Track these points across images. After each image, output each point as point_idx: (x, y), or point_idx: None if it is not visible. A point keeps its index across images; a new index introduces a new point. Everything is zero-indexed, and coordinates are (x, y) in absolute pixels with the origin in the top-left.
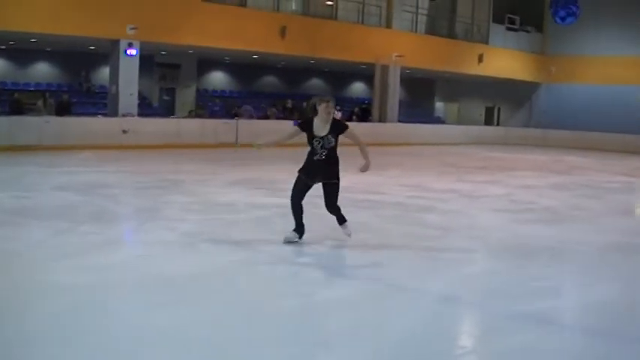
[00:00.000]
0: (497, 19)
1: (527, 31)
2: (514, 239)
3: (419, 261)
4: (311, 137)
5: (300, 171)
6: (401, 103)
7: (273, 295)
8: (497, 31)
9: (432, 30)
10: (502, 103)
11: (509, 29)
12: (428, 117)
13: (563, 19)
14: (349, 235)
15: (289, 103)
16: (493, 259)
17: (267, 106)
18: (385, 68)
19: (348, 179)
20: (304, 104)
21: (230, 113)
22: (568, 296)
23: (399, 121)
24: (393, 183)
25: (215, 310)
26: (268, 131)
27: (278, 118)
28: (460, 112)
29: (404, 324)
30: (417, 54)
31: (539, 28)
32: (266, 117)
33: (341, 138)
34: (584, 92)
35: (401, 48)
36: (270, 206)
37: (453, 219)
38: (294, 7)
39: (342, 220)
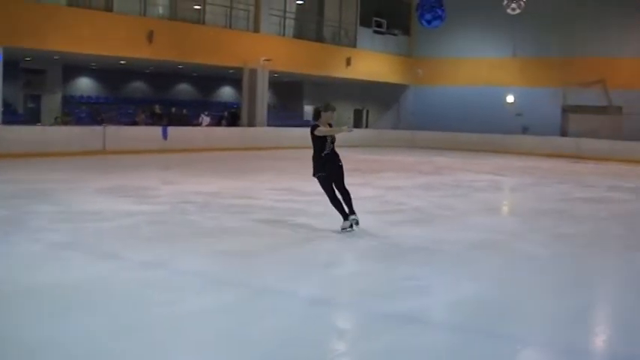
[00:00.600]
0: (365, 23)
1: (395, 34)
2: (384, 240)
3: (289, 264)
4: (322, 137)
5: (317, 173)
6: (269, 106)
7: (141, 303)
8: (365, 34)
9: (300, 34)
10: (371, 106)
11: (376, 32)
12: (297, 120)
13: (429, 22)
14: (345, 229)
15: (158, 109)
16: (364, 260)
17: (135, 111)
18: (253, 72)
19: (217, 185)
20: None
21: (97, 120)
22: (436, 295)
23: (269, 124)
24: (264, 187)
25: (84, 322)
26: (137, 138)
27: (147, 123)
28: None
29: (273, 328)
30: (285, 58)
31: (407, 31)
32: (134, 123)
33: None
34: (452, 94)
35: (269, 52)
36: (137, 214)
37: (324, 222)
38: (161, 12)
39: (352, 211)
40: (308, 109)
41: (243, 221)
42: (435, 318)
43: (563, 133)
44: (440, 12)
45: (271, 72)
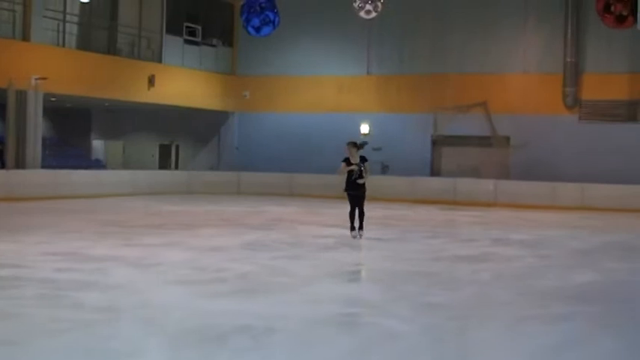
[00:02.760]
0: (174, 30)
1: (213, 45)
2: (199, 319)
3: (75, 355)
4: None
5: (346, 190)
6: (46, 141)
7: None
8: (174, 44)
9: (86, 44)
10: (182, 140)
11: (188, 42)
12: (83, 160)
13: (257, 29)
14: (361, 237)
15: None
16: (171, 349)
17: None
18: (22, 95)
19: None
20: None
21: None
22: None
23: (44, 166)
24: (37, 252)
25: None
26: None
27: None
28: (126, 152)
29: None
30: (67, 75)
31: (229, 41)
32: None
33: None
34: (289, 123)
35: (43, 68)
36: None
37: (118, 297)
38: None
39: (361, 227)
40: (98, 145)
41: (6, 299)
42: None
43: (435, 172)
44: (271, 16)
45: (47, 95)
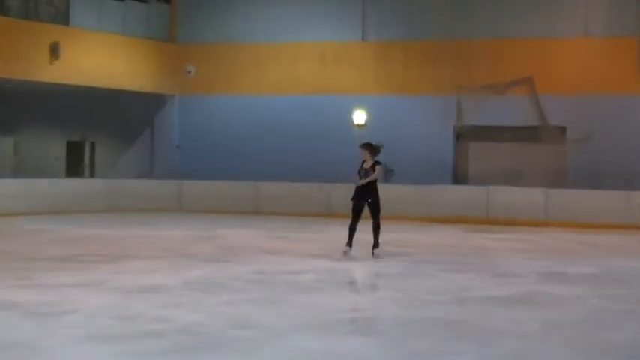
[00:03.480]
0: None
1: (144, 0)
2: None
3: None
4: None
5: (352, 199)
6: None
7: None
8: (86, 0)
9: None
10: (100, 135)
11: None
12: None
13: None
14: (378, 256)
15: None
16: None
17: None
18: None
19: None
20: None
21: None
22: None
23: None
24: None
25: None
26: None
27: None
28: (19, 153)
29: None
30: None
31: None
32: None
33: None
34: (252, 110)
35: None
36: None
37: (15, 358)
38: None
39: (376, 245)
40: None
41: None
42: None
43: (460, 179)
44: None
45: None
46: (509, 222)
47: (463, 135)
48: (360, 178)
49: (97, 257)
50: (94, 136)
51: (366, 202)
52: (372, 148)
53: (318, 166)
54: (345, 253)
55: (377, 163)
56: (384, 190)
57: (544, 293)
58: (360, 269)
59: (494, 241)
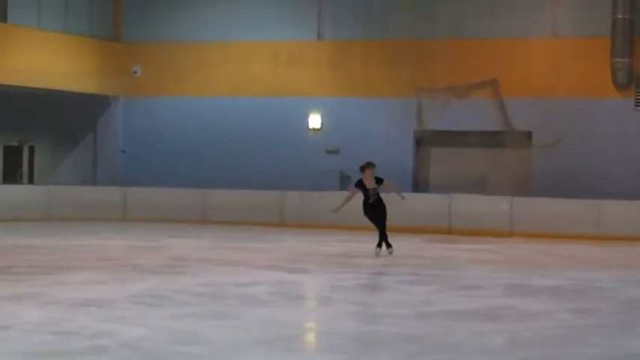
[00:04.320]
0: None
1: None
2: None
3: None
4: (365, 189)
5: (365, 214)
6: None
7: None
8: None
9: None
10: (39, 139)
11: None
12: None
13: None
14: (391, 253)
15: None
16: None
17: None
18: None
19: None
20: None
21: None
22: None
23: None
24: None
25: None
26: None
27: None
28: None
29: None
30: None
31: None
32: None
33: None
34: (199, 112)
35: None
36: None
37: None
38: None
39: (388, 245)
40: None
41: None
42: None
43: (420, 186)
44: None
45: None
46: (472, 232)
47: (424, 140)
48: (370, 198)
49: (34, 268)
50: (32, 139)
51: (379, 211)
52: (374, 166)
53: (270, 173)
54: (391, 253)
55: (380, 180)
56: (340, 199)
57: (509, 307)
58: (314, 282)
59: (457, 252)
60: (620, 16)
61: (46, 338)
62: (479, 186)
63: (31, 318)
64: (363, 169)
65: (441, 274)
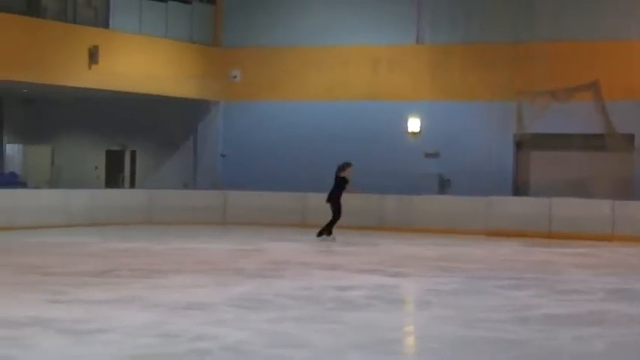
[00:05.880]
0: None
1: (187, 2)
2: None
3: None
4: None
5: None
6: None
7: None
8: (127, 1)
9: None
10: (140, 144)
11: None
12: None
13: None
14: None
15: None
16: None
17: None
18: None
19: None
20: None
21: None
22: None
23: None
24: None
25: None
26: None
27: None
28: (56, 162)
29: None
30: None
31: None
32: None
33: None
34: (298, 117)
35: None
36: None
37: None
38: None
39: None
40: (12, 152)
41: None
42: None
43: (520, 189)
44: None
45: None
46: (573, 235)
47: (524, 143)
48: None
49: (135, 272)
50: (134, 144)
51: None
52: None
53: (369, 176)
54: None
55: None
56: (439, 203)
57: (610, 311)
58: (413, 286)
59: (557, 256)
60: None
61: (148, 341)
62: (579, 189)
63: (133, 321)
64: (347, 167)
65: (541, 278)
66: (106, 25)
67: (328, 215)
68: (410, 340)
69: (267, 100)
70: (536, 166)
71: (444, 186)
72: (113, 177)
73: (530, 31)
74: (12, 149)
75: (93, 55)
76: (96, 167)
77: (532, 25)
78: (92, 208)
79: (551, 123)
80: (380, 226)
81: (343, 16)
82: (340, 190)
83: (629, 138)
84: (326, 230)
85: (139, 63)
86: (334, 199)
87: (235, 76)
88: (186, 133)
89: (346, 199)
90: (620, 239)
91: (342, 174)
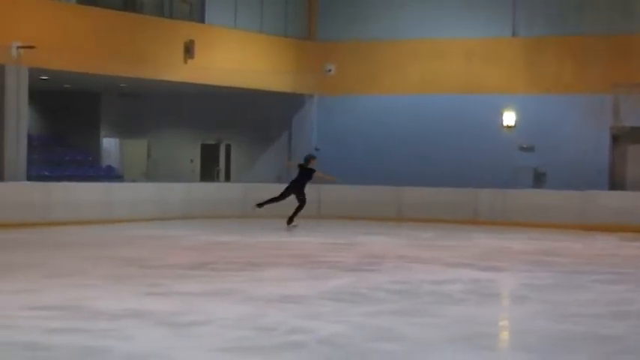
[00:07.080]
0: None
1: None
2: None
3: None
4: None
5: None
6: (33, 140)
7: None
8: None
9: None
10: (235, 138)
11: None
12: (88, 168)
13: None
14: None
15: None
16: None
17: None
18: None
19: None
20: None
21: None
22: None
23: (30, 177)
24: (20, 304)
25: None
26: None
27: None
28: (152, 156)
29: None
30: (64, 43)
31: None
32: None
33: None
34: (395, 111)
35: (30, 31)
36: None
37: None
38: None
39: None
40: (110, 146)
41: None
42: None
43: (617, 183)
44: None
45: (35, 71)
46: None
47: (621, 137)
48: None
49: (231, 265)
50: (229, 138)
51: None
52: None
53: (464, 170)
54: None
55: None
56: (534, 196)
57: None
58: (508, 280)
59: None
60: None
61: (244, 334)
62: None
63: (229, 314)
64: (312, 159)
65: (638, 273)
66: (201, 19)
67: (424, 209)
68: (505, 335)
69: (362, 94)
70: (633, 160)
71: (539, 180)
72: (208, 170)
73: (627, 23)
74: (109, 143)
75: (189, 50)
76: (191, 161)
77: (629, 17)
78: (187, 201)
79: None
80: (474, 220)
81: (439, 9)
82: (307, 181)
83: None
84: (292, 219)
85: (234, 57)
86: (301, 190)
87: (330, 70)
88: (280, 127)
89: (439, 195)
90: None
91: (310, 165)
